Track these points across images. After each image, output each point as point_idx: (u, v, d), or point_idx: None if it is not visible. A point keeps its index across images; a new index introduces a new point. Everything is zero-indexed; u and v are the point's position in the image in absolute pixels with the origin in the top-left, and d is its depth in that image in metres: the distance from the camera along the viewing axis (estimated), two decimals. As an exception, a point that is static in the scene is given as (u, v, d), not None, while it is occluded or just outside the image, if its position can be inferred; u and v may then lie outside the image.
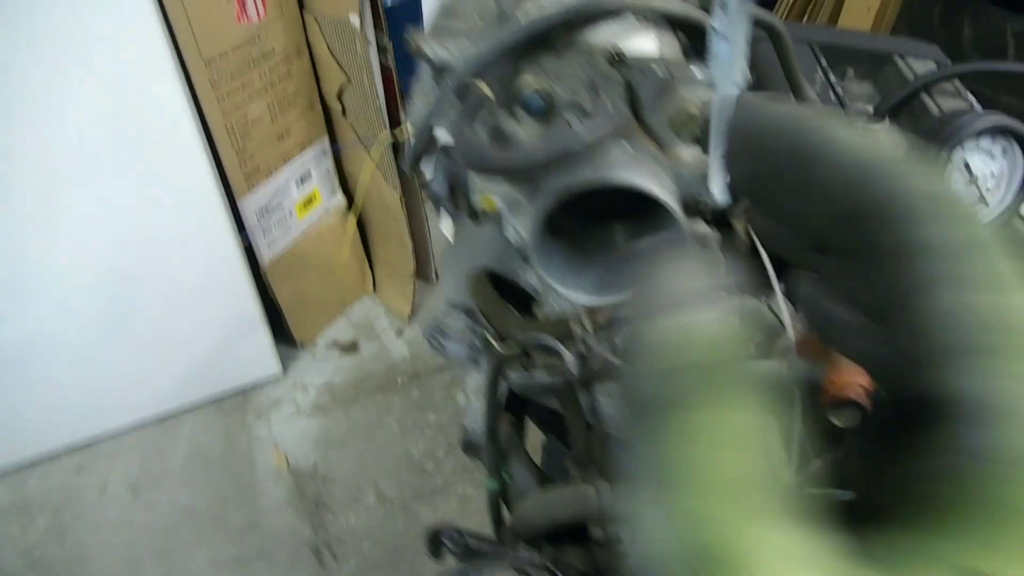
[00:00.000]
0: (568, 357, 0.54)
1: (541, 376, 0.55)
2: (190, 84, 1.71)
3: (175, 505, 1.96)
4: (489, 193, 0.57)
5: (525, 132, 0.54)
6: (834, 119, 0.23)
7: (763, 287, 0.63)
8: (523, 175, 0.47)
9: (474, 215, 0.60)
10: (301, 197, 2.17)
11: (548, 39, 0.57)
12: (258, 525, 1.91)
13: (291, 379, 2.29)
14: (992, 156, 0.79)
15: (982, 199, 0.79)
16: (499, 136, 0.55)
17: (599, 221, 0.60)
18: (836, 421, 0.41)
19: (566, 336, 0.58)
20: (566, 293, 0.53)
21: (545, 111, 0.53)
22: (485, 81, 0.53)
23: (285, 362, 2.30)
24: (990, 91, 2.16)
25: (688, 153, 0.55)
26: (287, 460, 2.05)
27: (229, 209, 1.91)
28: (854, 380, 0.40)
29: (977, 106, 1.05)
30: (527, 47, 0.55)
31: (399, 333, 2.43)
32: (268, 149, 1.99)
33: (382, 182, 2.16)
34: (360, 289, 2.55)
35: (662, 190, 0.47)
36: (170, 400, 2.17)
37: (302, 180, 2.16)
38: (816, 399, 0.42)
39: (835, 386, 0.40)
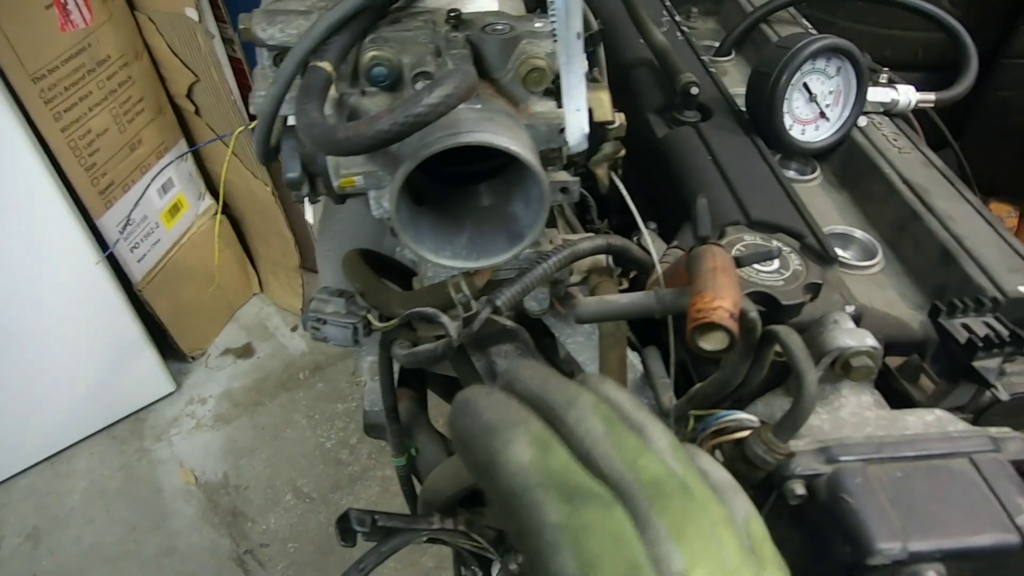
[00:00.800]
0: (448, 324, 0.54)
1: (426, 347, 0.55)
2: (20, 104, 1.58)
3: (80, 546, 1.86)
4: (348, 172, 0.56)
5: (374, 105, 0.53)
6: (514, 435, 0.29)
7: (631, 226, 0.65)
8: (376, 149, 0.47)
9: (337, 196, 0.59)
10: (166, 206, 2.07)
11: (386, 9, 0.56)
12: (175, 549, 1.84)
13: (186, 394, 2.20)
14: (828, 76, 0.84)
15: (823, 116, 0.84)
16: (349, 113, 0.54)
17: (465, 185, 0.60)
18: (704, 346, 0.42)
19: (447, 303, 0.58)
20: (439, 261, 0.54)
21: (391, 81, 0.53)
22: (327, 59, 0.51)
23: (178, 377, 2.21)
24: (828, 16, 2.28)
25: (541, 105, 0.56)
26: (195, 477, 1.98)
27: (87, 229, 1.80)
28: (718, 304, 0.41)
29: (813, 31, 1.11)
30: (366, 19, 0.54)
31: (293, 328, 2.38)
32: (121, 161, 1.88)
33: (251, 178, 2.08)
34: (246, 291, 2.47)
35: (516, 144, 0.48)
36: (59, 438, 2.05)
37: (164, 189, 2.05)
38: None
39: (699, 312, 0.42)
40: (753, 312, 0.47)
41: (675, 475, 0.29)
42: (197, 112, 1.99)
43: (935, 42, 1.92)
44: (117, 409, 2.12)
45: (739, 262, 0.48)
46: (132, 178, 1.93)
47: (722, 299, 0.41)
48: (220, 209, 2.19)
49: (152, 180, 1.99)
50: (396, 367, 0.87)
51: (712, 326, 0.41)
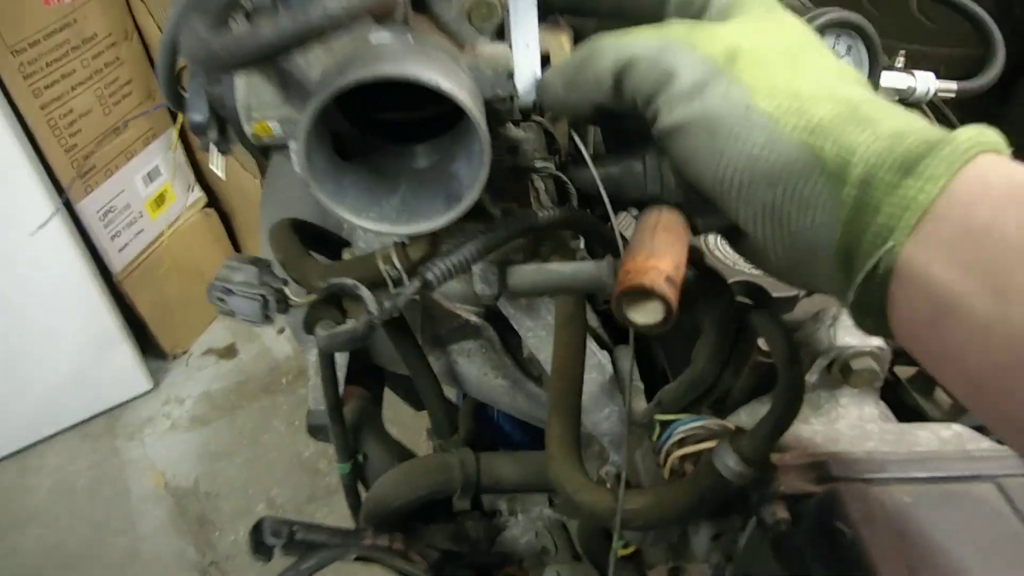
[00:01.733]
0: (368, 297, 0.45)
1: (345, 327, 0.46)
2: (-2, 76, 1.52)
3: (42, 545, 1.77)
4: (260, 115, 0.47)
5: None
6: None
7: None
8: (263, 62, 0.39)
9: (254, 147, 0.51)
10: (151, 195, 2.00)
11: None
12: (138, 554, 1.75)
13: (164, 393, 2.12)
14: (838, 55, 0.75)
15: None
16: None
17: (406, 144, 0.52)
18: (634, 318, 0.33)
19: (376, 278, 0.49)
20: (361, 223, 0.45)
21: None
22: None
23: (156, 375, 2.13)
24: None
25: (491, 48, 0.48)
26: (165, 480, 1.89)
27: (66, 214, 1.73)
28: (652, 264, 0.32)
29: (808, 4, 1.02)
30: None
31: (280, 331, 2.29)
32: (104, 145, 1.81)
33: (239, 170, 2.01)
34: (234, 290, 2.39)
35: (447, 81, 0.39)
36: (27, 432, 1.97)
37: (150, 177, 1.99)
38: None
39: (627, 273, 0.32)
40: (726, 281, 0.38)
41: None
42: (187, 100, 1.92)
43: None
44: (90, 405, 2.04)
45: (696, 228, 0.39)
46: (116, 163, 1.86)
47: (658, 258, 0.32)
48: (174, 192, 2.11)
49: (139, 167, 1.93)
50: (344, 361, 0.78)
51: (644, 292, 0.31)
